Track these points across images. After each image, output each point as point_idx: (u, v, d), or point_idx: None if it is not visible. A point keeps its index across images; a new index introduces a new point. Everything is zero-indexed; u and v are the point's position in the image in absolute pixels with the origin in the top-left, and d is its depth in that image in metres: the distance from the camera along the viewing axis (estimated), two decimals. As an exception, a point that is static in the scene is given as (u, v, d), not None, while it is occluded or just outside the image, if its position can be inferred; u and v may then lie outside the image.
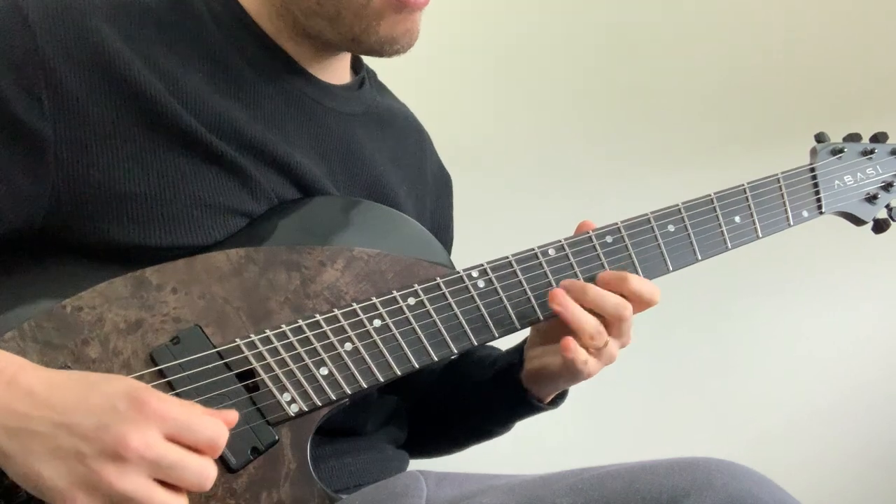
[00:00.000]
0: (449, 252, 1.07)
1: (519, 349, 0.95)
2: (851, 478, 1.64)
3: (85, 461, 0.60)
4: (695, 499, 0.59)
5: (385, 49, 0.85)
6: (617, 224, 0.88)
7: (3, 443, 0.62)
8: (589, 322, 0.82)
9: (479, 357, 1.00)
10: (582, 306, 0.83)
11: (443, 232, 1.05)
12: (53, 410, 0.62)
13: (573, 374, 0.85)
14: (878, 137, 1.04)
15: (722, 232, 0.92)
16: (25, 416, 0.62)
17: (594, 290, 0.83)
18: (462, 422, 1.01)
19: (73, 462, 0.61)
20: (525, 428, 0.95)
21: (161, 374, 0.72)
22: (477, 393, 0.97)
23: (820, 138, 1.03)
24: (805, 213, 0.97)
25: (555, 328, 0.86)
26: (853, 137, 1.04)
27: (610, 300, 0.83)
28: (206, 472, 0.64)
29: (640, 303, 0.84)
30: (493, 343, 0.86)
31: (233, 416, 0.68)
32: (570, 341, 0.82)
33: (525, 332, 0.91)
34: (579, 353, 0.82)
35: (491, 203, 1.45)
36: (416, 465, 0.92)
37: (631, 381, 1.48)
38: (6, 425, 0.62)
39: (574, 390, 0.90)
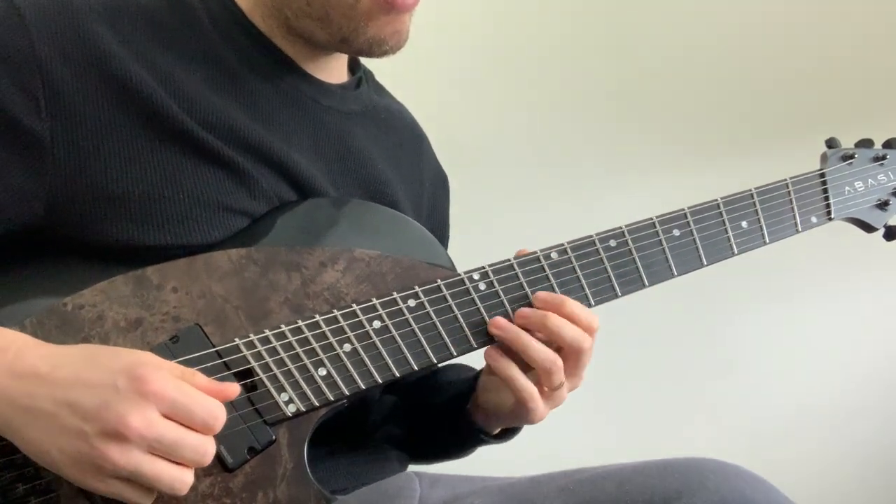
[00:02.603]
0: (445, 252, 1.06)
1: (476, 377, 0.93)
2: (848, 479, 1.62)
3: (88, 441, 0.62)
4: (686, 500, 0.59)
5: (374, 50, 0.85)
6: (621, 228, 0.87)
7: (12, 419, 0.63)
8: (544, 352, 0.79)
9: (444, 382, 0.99)
10: (536, 333, 0.80)
11: (439, 232, 1.05)
12: (57, 387, 0.63)
13: (521, 415, 0.83)
14: (891, 143, 1.03)
15: (728, 237, 0.91)
16: (31, 394, 0.63)
17: (554, 318, 0.80)
18: (426, 439, 1.00)
19: (77, 441, 0.62)
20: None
21: None
22: (433, 416, 0.96)
23: (831, 144, 1.01)
24: (814, 219, 0.95)
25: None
26: (865, 143, 1.02)
27: (570, 329, 0.79)
28: (203, 449, 0.65)
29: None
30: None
31: (233, 389, 0.69)
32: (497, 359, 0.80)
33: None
34: (527, 389, 0.80)
35: (492, 205, 1.45)
36: (413, 465, 0.92)
37: (626, 382, 1.47)
38: (14, 402, 0.63)
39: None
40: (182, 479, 0.65)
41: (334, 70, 0.93)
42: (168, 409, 0.64)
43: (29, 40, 0.73)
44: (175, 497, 0.70)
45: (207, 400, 0.66)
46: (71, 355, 0.66)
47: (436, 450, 1.00)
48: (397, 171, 0.96)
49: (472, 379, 0.94)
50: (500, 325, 0.80)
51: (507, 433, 0.93)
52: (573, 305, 0.81)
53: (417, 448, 0.99)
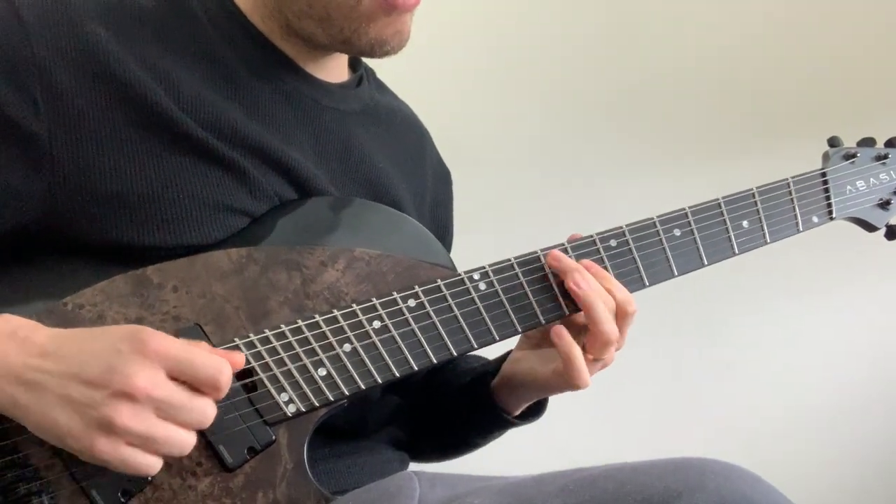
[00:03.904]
0: (448, 250, 1.06)
1: (500, 359, 0.94)
2: (848, 478, 1.61)
3: (97, 407, 0.62)
4: (686, 500, 0.58)
5: (375, 50, 0.85)
6: (622, 228, 0.87)
7: (19, 395, 0.64)
8: (608, 321, 0.81)
9: (467, 366, 0.99)
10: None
11: (442, 230, 1.05)
12: (63, 361, 0.64)
13: (559, 385, 0.83)
14: (893, 142, 1.03)
15: (729, 237, 0.90)
16: (38, 368, 0.64)
17: (612, 278, 0.82)
18: (443, 430, 1.00)
19: (86, 408, 0.63)
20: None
21: None
22: (454, 398, 0.96)
23: (833, 143, 1.01)
24: (815, 219, 0.95)
25: (545, 334, 0.84)
26: (867, 142, 1.02)
27: (623, 290, 0.82)
28: (208, 411, 0.67)
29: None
30: (494, 346, 0.85)
31: (239, 357, 0.70)
32: (562, 331, 0.81)
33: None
34: (575, 353, 0.80)
35: (493, 204, 1.45)
36: (413, 465, 0.92)
37: (626, 382, 1.47)
38: (22, 378, 0.64)
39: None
40: (189, 441, 0.66)
41: (334, 69, 0.93)
42: (172, 366, 0.65)
43: (27, 41, 0.73)
44: (175, 496, 0.70)
45: (212, 357, 0.66)
46: (77, 333, 0.67)
47: (453, 439, 1.01)
48: (399, 169, 0.96)
49: (492, 363, 0.95)
50: (579, 282, 0.81)
51: (529, 416, 0.93)
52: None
53: (430, 442, 1.00)
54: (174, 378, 0.65)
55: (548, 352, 0.85)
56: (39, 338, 0.66)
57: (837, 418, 1.61)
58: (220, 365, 0.66)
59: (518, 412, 0.92)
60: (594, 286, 0.81)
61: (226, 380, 0.66)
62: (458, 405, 0.96)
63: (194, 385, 0.66)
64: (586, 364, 0.81)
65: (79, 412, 0.63)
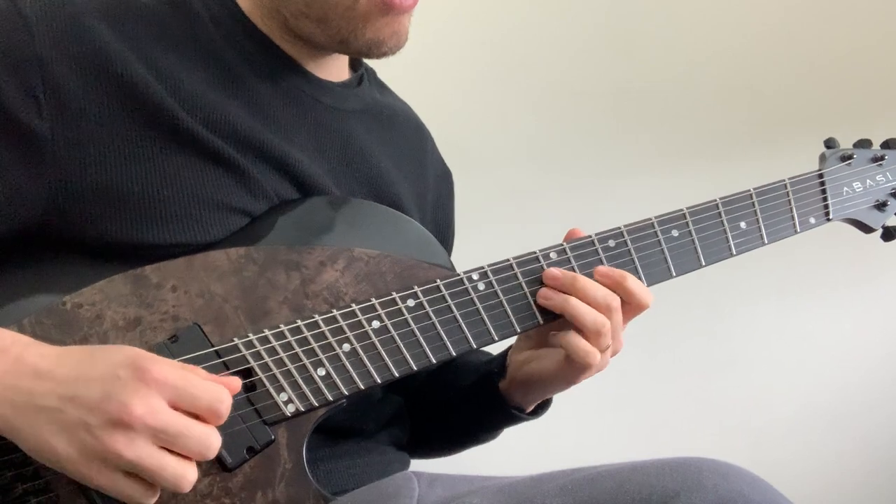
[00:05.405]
0: (450, 250, 1.07)
1: (501, 357, 0.94)
2: (848, 478, 1.62)
3: (92, 432, 0.61)
4: (685, 500, 0.59)
5: (372, 51, 0.86)
6: (620, 228, 0.87)
7: (12, 419, 0.63)
8: (589, 313, 0.81)
9: (467, 361, 0.99)
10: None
11: (444, 229, 1.05)
12: (57, 384, 0.63)
13: (573, 373, 0.83)
14: (890, 144, 1.03)
15: (727, 238, 0.91)
16: (31, 391, 0.63)
17: (583, 279, 0.82)
18: (449, 425, 1.01)
19: (82, 433, 0.62)
20: (521, 428, 0.94)
21: None
22: (460, 399, 0.97)
23: (829, 144, 1.02)
24: (812, 220, 0.95)
25: (544, 333, 0.85)
26: (863, 143, 1.03)
27: (598, 290, 0.82)
28: (208, 440, 0.65)
29: (632, 304, 0.84)
30: (492, 346, 0.85)
31: (235, 382, 0.69)
32: (548, 292, 0.82)
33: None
34: (580, 345, 0.81)
35: (492, 205, 1.45)
36: (413, 465, 0.92)
37: (626, 381, 1.47)
38: (13, 401, 0.63)
39: (568, 391, 0.90)
40: (185, 474, 0.64)
41: (335, 68, 0.93)
42: (172, 395, 0.63)
43: (30, 39, 0.73)
44: (174, 496, 0.70)
45: (211, 385, 0.65)
46: (70, 354, 0.66)
47: (460, 435, 1.01)
48: (400, 168, 0.96)
49: (495, 360, 0.95)
50: (547, 295, 0.82)
51: (539, 409, 0.93)
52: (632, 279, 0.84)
53: (435, 439, 1.00)
54: (174, 406, 0.64)
55: (551, 349, 0.85)
56: (32, 356, 0.65)
57: (840, 418, 1.62)
58: (220, 393, 0.65)
59: (531, 408, 0.92)
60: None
61: (225, 408, 0.66)
62: (464, 405, 0.96)
63: (194, 413, 0.65)
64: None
65: (74, 437, 0.62)
